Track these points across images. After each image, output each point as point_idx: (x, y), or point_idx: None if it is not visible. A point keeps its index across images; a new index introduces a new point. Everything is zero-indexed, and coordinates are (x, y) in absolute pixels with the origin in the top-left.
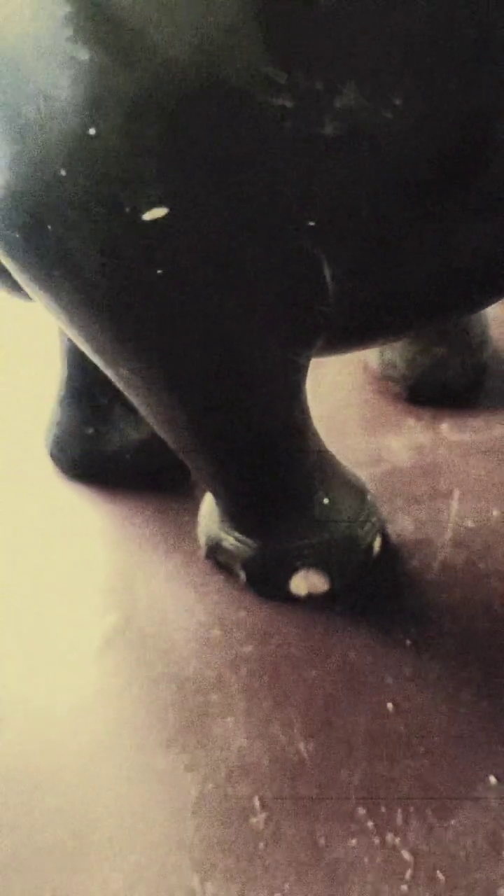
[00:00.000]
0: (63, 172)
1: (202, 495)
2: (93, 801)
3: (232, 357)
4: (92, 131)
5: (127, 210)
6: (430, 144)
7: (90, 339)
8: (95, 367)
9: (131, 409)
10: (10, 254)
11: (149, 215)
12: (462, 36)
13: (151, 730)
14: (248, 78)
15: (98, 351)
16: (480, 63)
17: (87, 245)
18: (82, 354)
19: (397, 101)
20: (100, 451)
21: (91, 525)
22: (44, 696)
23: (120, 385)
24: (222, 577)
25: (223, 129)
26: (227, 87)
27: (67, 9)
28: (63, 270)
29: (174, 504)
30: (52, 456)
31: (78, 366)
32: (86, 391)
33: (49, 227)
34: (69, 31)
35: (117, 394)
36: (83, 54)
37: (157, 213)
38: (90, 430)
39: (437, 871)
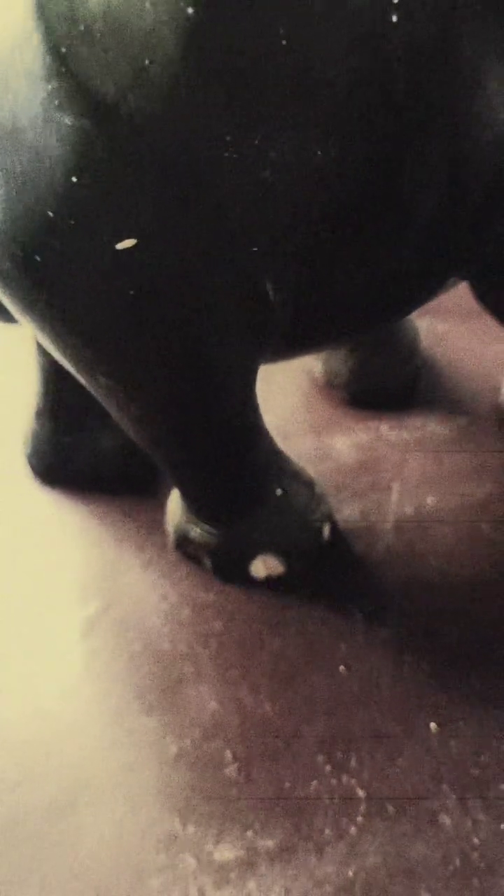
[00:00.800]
0: (50, 213)
1: (167, 496)
2: (82, 762)
3: (192, 363)
4: (74, 179)
5: (103, 242)
6: (346, 185)
7: (71, 353)
8: (69, 382)
9: (103, 421)
10: (2, 282)
11: (121, 245)
12: (366, 100)
13: (133, 699)
14: (204, 138)
15: (77, 362)
16: (384, 122)
17: (69, 271)
18: (57, 370)
19: (319, 153)
20: (74, 458)
21: (69, 525)
22: (36, 675)
23: (97, 392)
24: (190, 565)
25: (182, 177)
26: (187, 146)
27: (55, 84)
28: (49, 294)
29: (143, 504)
30: (31, 464)
31: (53, 381)
32: (61, 404)
33: (37, 257)
34: (56, 102)
35: (90, 406)
36: (68, 120)
37: (128, 243)
38: (66, 440)
39: (387, 804)
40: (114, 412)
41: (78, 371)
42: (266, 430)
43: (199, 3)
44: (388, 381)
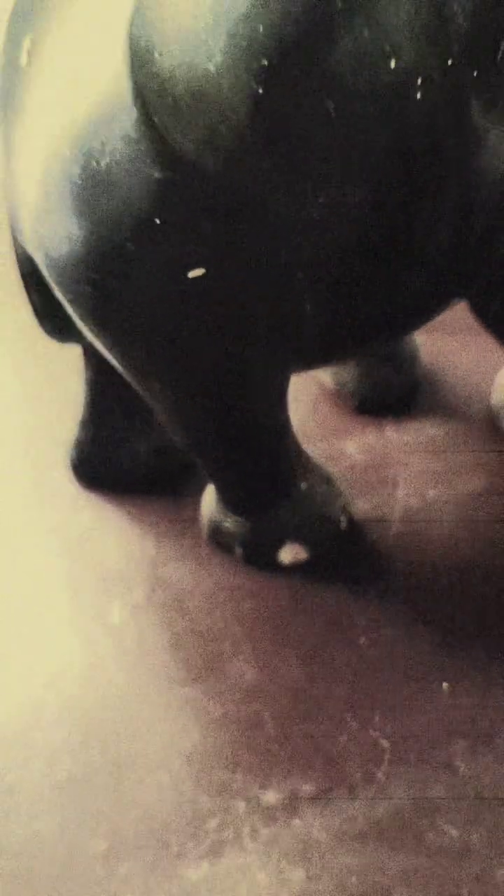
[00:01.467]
0: (133, 247)
1: (199, 496)
2: (140, 725)
3: (239, 373)
4: (157, 221)
5: (178, 271)
6: (375, 225)
7: (134, 365)
8: (113, 395)
9: (142, 428)
10: (78, 302)
11: (192, 274)
12: (393, 160)
13: (178, 672)
14: (265, 188)
15: (138, 372)
16: (406, 177)
17: (145, 296)
18: (102, 385)
19: (355, 199)
20: (116, 463)
21: (112, 524)
22: (91, 653)
23: (150, 398)
24: (222, 555)
25: (244, 219)
26: (250, 194)
27: (146, 145)
28: (125, 314)
29: (178, 503)
30: (75, 470)
31: (98, 394)
32: (104, 415)
33: (117, 284)
34: (148, 160)
35: (130, 415)
36: (156, 174)
37: (198, 272)
38: (108, 447)
39: (409, 753)
40: (162, 416)
41: (136, 379)
42: (293, 431)
43: (266, 83)
44: (391, 390)
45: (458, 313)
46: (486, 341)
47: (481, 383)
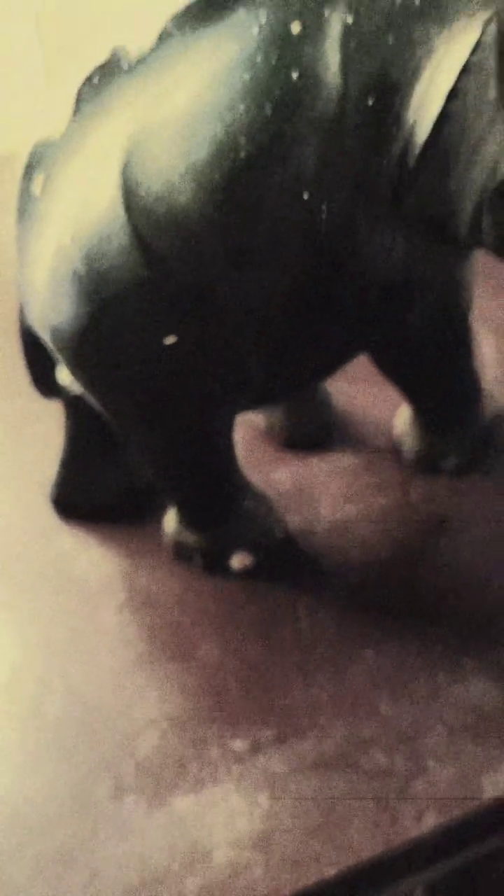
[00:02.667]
0: (123, 325)
1: (163, 516)
2: (130, 695)
3: (197, 417)
4: (143, 306)
5: (156, 339)
6: (298, 303)
7: (117, 410)
8: (91, 439)
9: (117, 466)
10: (78, 366)
11: (167, 341)
12: (303, 254)
13: (158, 655)
14: (221, 284)
15: (119, 416)
16: (316, 265)
17: (131, 358)
18: (81, 431)
19: (283, 286)
20: (93, 496)
21: (89, 547)
22: (78, 640)
23: (125, 436)
24: (184, 565)
25: (204, 304)
26: (210, 288)
27: (136, 253)
28: (113, 374)
29: (147, 524)
30: (56, 505)
31: (77, 438)
32: (82, 456)
33: (109, 350)
34: (133, 259)
35: (106, 456)
36: (143, 273)
37: (171, 339)
38: (86, 483)
39: (344, 703)
40: (134, 451)
41: (116, 421)
42: (237, 462)
43: (220, 212)
44: (311, 428)
45: (360, 364)
46: (385, 386)
47: (383, 419)
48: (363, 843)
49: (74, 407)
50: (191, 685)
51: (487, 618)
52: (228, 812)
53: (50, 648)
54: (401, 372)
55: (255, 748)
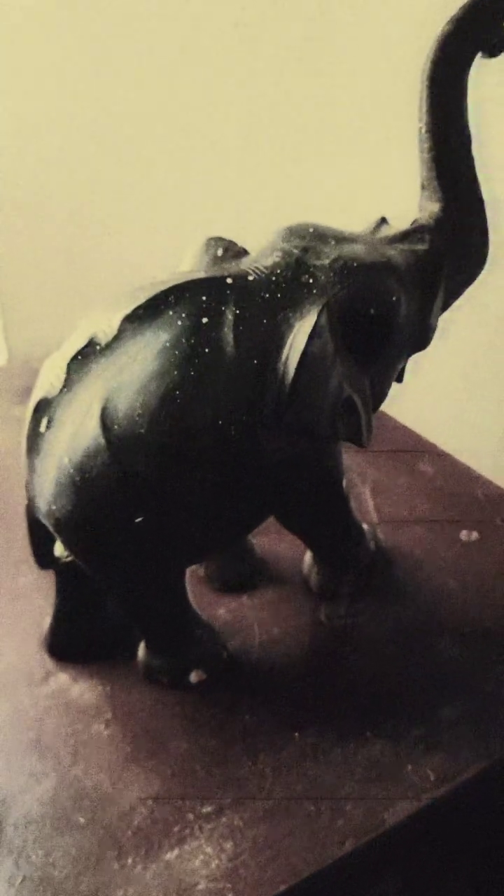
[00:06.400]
0: (106, 515)
1: (138, 646)
2: (117, 778)
3: (162, 570)
4: (120, 500)
5: (130, 519)
6: (222, 489)
7: (100, 571)
8: (81, 592)
9: (104, 611)
10: (74, 545)
11: (137, 520)
12: (220, 457)
13: (144, 748)
14: (172, 485)
15: (102, 575)
16: (228, 465)
17: (109, 533)
18: (71, 588)
19: (211, 477)
20: (85, 642)
21: (82, 678)
22: (79, 749)
23: (107, 589)
24: (154, 683)
25: (162, 493)
26: (163, 486)
27: (115, 466)
28: (100, 547)
29: (125, 658)
30: (50, 650)
31: (67, 595)
32: (73, 605)
33: (98, 533)
34: (116, 472)
35: (95, 604)
36: (119, 475)
37: (139, 519)
38: (77, 628)
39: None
40: (114, 599)
41: (100, 579)
42: (189, 602)
43: (169, 438)
44: (241, 574)
45: (271, 522)
46: (292, 537)
47: (294, 561)
48: (303, 866)
49: (65, 572)
50: (167, 772)
51: (383, 700)
52: (204, 858)
53: (58, 757)
54: (299, 527)
55: (219, 810)
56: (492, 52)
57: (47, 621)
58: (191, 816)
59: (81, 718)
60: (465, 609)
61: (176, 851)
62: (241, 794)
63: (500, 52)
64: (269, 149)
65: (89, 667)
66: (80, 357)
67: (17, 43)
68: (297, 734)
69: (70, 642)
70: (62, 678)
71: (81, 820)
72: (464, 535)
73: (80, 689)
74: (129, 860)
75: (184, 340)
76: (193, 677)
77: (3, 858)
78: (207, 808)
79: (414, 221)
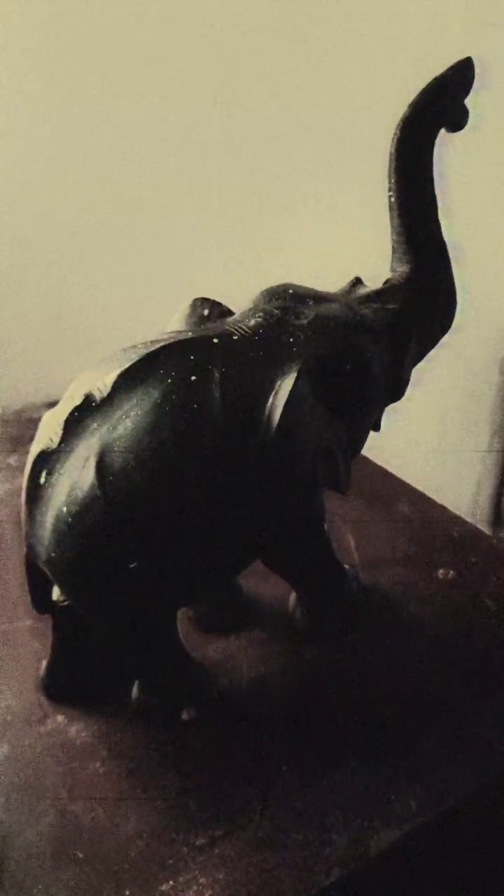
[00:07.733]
0: (101, 557)
1: (132, 687)
2: (118, 820)
3: (154, 614)
4: (110, 538)
5: (124, 564)
6: (210, 526)
7: (93, 611)
8: (77, 640)
9: (100, 653)
10: (70, 587)
11: (131, 566)
12: (203, 497)
13: (138, 784)
14: (162, 511)
15: (100, 622)
16: (210, 498)
17: (105, 577)
18: (68, 632)
19: (196, 520)
20: (82, 685)
21: (78, 719)
22: (77, 787)
23: (105, 636)
24: (148, 721)
25: (152, 536)
26: (150, 514)
27: (111, 510)
28: (94, 589)
29: (118, 698)
30: (47, 690)
31: (63, 639)
32: (71, 647)
33: (91, 574)
34: (109, 515)
35: (90, 651)
36: (110, 518)
37: (134, 564)
38: (74, 669)
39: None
40: (107, 641)
41: (92, 619)
42: (181, 643)
43: (156, 487)
44: (228, 614)
45: (258, 565)
46: (278, 579)
47: (280, 602)
48: (292, 894)
49: (62, 616)
50: (161, 806)
51: (367, 732)
52: (198, 888)
53: (56, 794)
54: (284, 568)
55: (212, 842)
56: (453, 128)
57: (44, 664)
58: (185, 849)
59: (78, 757)
60: (444, 643)
61: (171, 883)
62: (232, 826)
63: (462, 127)
64: (251, 212)
65: (85, 707)
66: (76, 413)
67: None
68: (284, 767)
69: (66, 684)
70: (59, 719)
71: (80, 854)
72: (441, 573)
73: (76, 728)
74: (127, 892)
75: (174, 397)
76: (185, 715)
77: (6, 893)
78: (200, 840)
79: (386, 281)
